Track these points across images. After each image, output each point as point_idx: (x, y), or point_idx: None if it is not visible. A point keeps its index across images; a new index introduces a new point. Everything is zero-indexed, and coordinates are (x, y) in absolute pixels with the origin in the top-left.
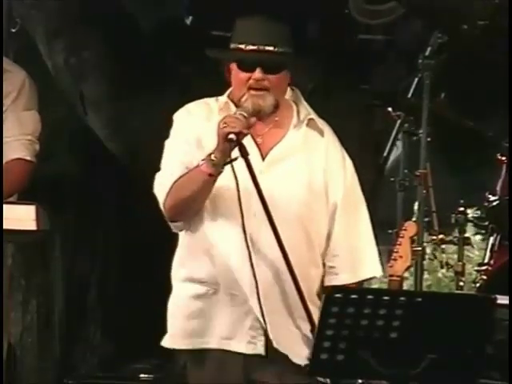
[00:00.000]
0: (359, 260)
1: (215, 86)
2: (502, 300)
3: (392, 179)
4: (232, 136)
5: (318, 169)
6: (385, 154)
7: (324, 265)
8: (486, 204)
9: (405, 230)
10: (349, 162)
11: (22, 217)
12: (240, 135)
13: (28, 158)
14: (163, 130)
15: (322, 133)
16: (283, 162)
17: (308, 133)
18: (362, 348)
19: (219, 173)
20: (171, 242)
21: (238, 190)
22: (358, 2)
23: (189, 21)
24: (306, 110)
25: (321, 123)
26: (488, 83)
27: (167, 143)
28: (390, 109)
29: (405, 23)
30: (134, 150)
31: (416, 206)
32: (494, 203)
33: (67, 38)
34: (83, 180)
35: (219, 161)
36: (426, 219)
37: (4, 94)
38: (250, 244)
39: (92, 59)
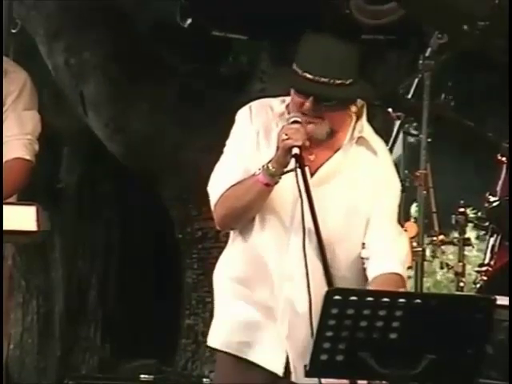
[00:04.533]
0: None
1: (215, 85)
2: (502, 301)
3: None
4: (297, 150)
5: (363, 189)
6: None
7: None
8: (486, 205)
9: (405, 230)
10: (396, 185)
11: (22, 217)
12: (302, 147)
13: (27, 157)
14: (163, 129)
15: (375, 152)
16: (330, 180)
17: (359, 151)
18: (361, 349)
19: (276, 183)
20: (171, 242)
21: (302, 205)
22: (358, 2)
23: (186, 24)
24: (361, 128)
25: (375, 142)
26: (488, 84)
27: (229, 141)
28: (390, 109)
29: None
30: (134, 150)
31: (416, 207)
32: (494, 204)
33: (67, 39)
34: (83, 180)
35: (277, 171)
36: (426, 220)
37: (6, 93)
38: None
39: (92, 60)
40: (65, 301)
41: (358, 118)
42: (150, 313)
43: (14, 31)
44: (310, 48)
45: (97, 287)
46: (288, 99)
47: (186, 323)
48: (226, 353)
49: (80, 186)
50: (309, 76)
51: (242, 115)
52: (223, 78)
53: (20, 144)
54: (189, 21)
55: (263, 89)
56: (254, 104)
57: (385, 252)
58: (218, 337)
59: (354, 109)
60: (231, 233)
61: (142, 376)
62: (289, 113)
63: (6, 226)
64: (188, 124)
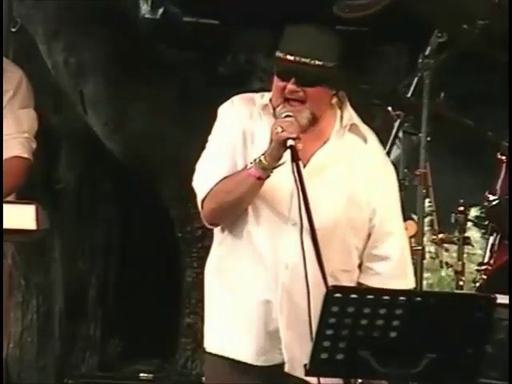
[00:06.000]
0: (404, 268)
1: (215, 84)
2: (502, 299)
3: None
4: (291, 142)
5: (359, 176)
6: None
7: (359, 266)
8: (486, 203)
9: (405, 229)
10: (390, 169)
11: (21, 216)
12: (296, 140)
13: (25, 155)
14: (163, 128)
15: (365, 139)
16: (325, 169)
17: (350, 139)
18: (361, 347)
19: (267, 176)
20: (171, 241)
21: (299, 196)
22: None
23: (158, 14)
24: (349, 115)
25: (364, 129)
26: (488, 82)
27: (212, 136)
28: (389, 108)
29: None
30: (133, 150)
31: (416, 206)
32: (494, 202)
33: (67, 38)
34: (84, 180)
35: (270, 164)
36: (426, 219)
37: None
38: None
39: (91, 59)
40: (65, 300)
41: (341, 107)
42: (149, 312)
43: (13, 30)
44: (291, 34)
45: (96, 286)
46: (268, 94)
47: (185, 322)
48: (219, 356)
49: (80, 186)
50: (290, 57)
51: (225, 109)
52: (223, 76)
53: (17, 142)
54: (160, 11)
55: (262, 88)
56: (236, 98)
57: (402, 269)
58: (215, 340)
59: (334, 100)
60: (217, 233)
61: (142, 375)
62: (273, 106)
63: (5, 225)
64: (187, 123)
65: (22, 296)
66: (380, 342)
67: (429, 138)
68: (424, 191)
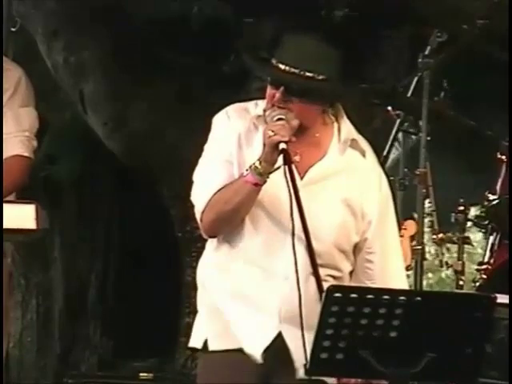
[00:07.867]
0: (391, 274)
1: (215, 84)
2: (502, 299)
3: (392, 178)
4: (283, 146)
5: (356, 189)
6: (384, 153)
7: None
8: (486, 203)
9: (404, 229)
10: (384, 181)
11: (21, 216)
12: (288, 143)
13: (26, 154)
14: (163, 128)
15: (363, 153)
16: (322, 182)
17: (350, 154)
18: (361, 347)
19: (264, 182)
20: (171, 240)
21: (291, 200)
22: None
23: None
24: (348, 129)
25: (363, 143)
26: (488, 82)
27: (207, 147)
28: (389, 108)
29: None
30: (132, 149)
31: (416, 206)
32: (494, 202)
33: (66, 38)
34: (83, 180)
35: (265, 170)
36: (427, 218)
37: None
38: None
39: (91, 58)
40: (64, 299)
41: (338, 119)
42: (149, 311)
43: (13, 30)
44: (288, 43)
45: (96, 285)
46: (261, 102)
47: (185, 321)
48: (212, 352)
49: (79, 185)
50: (281, 66)
51: (220, 120)
52: (223, 76)
53: (18, 141)
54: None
55: (262, 88)
56: (230, 108)
57: (387, 274)
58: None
59: (330, 112)
60: (212, 242)
61: (142, 374)
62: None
63: (5, 225)
64: (187, 123)
65: (21, 295)
66: (380, 341)
67: (429, 138)
68: (424, 191)
